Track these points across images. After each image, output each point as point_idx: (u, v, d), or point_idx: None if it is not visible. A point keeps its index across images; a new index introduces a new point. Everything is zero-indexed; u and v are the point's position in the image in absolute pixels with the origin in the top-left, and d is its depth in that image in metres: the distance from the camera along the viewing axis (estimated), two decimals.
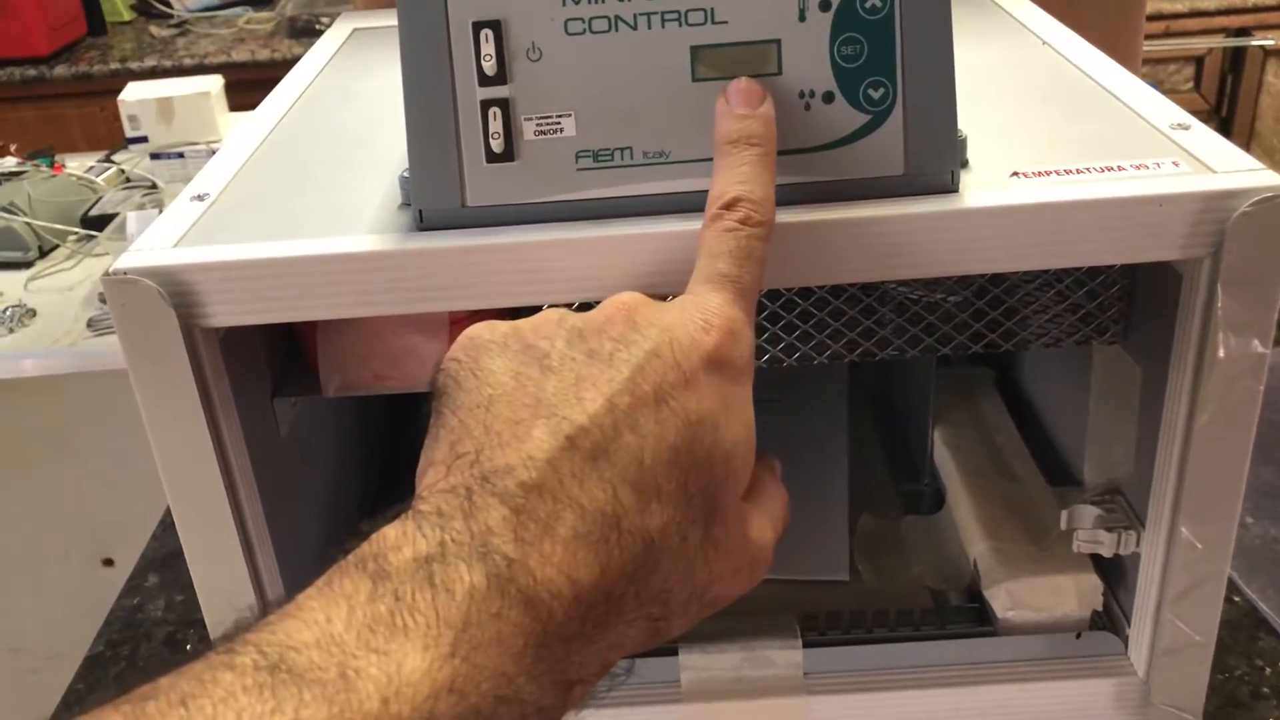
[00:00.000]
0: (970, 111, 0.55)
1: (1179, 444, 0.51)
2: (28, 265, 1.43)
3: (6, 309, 1.34)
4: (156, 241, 0.48)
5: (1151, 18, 2.39)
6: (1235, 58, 2.46)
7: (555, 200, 0.48)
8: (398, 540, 0.34)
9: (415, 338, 0.55)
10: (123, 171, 1.62)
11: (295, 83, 0.69)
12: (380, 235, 0.47)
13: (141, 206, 1.47)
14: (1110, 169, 0.48)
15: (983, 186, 0.48)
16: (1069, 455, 0.65)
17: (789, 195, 0.47)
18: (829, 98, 0.47)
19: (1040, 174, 0.49)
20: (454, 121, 0.47)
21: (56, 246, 1.46)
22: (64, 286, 1.38)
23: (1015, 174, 0.49)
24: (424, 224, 0.48)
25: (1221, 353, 0.48)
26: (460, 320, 0.56)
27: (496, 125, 0.47)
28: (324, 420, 0.66)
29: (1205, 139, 0.51)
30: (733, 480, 0.38)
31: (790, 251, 0.47)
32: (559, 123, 0.47)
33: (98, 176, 1.61)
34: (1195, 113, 0.61)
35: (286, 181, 0.54)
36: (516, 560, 0.33)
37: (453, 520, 0.34)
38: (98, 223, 1.45)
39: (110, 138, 1.99)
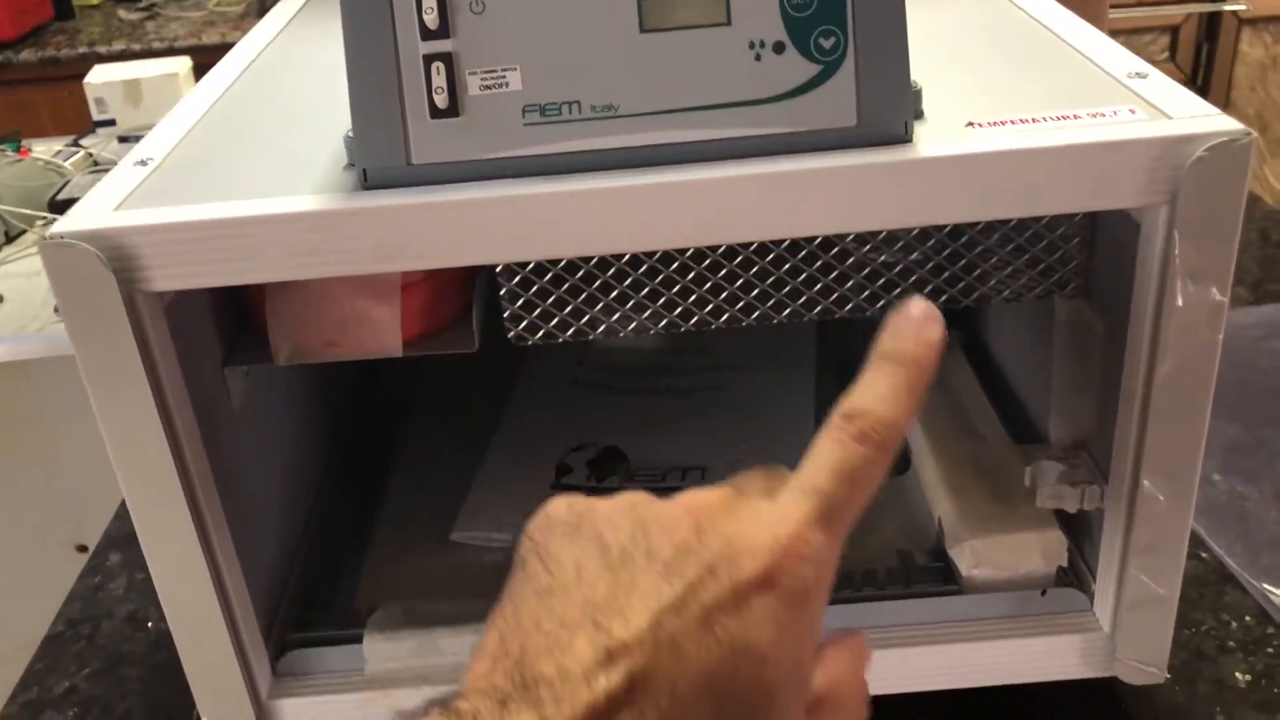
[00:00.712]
0: (927, 64, 0.55)
1: (1140, 396, 0.51)
2: None
3: None
4: (96, 205, 0.47)
5: None
6: (1210, 26, 2.46)
7: (502, 156, 0.47)
8: None
9: (366, 302, 0.54)
10: (90, 155, 1.60)
11: (246, 50, 0.68)
12: (324, 195, 0.47)
13: None
14: (1066, 118, 0.48)
15: (937, 137, 0.47)
16: (1034, 414, 0.65)
17: (739, 149, 0.47)
18: (779, 48, 0.46)
19: (996, 124, 0.48)
20: (396, 77, 0.46)
21: (24, 232, 1.44)
22: (31, 271, 1.36)
23: (970, 124, 0.48)
24: (368, 183, 0.47)
25: (1180, 301, 0.48)
26: (412, 284, 0.55)
27: (440, 80, 0.46)
28: (279, 392, 0.65)
29: (1162, 87, 0.50)
30: (777, 713, 0.36)
31: (741, 206, 0.46)
32: (504, 77, 0.46)
33: (65, 160, 1.59)
34: None
35: (232, 146, 0.53)
36: None
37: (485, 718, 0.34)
38: (65, 207, 1.43)
39: (79, 122, 1.96)
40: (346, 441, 0.76)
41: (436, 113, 0.46)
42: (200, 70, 1.65)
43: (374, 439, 0.76)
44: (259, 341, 0.56)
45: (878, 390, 0.40)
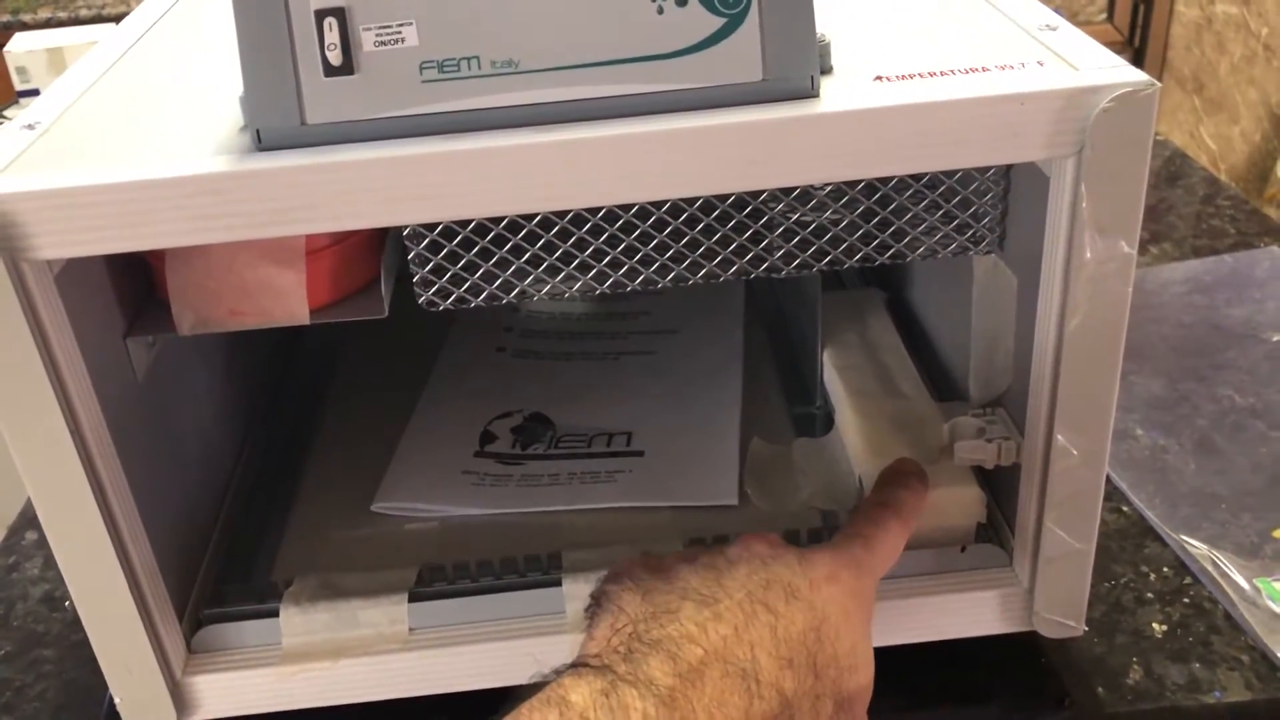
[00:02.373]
0: (835, 17, 0.54)
1: (1051, 350, 0.51)
2: None
3: None
4: None
5: None
6: None
7: (400, 115, 0.45)
8: (573, 683, 0.41)
9: (269, 269, 0.53)
10: None
11: (146, 14, 0.65)
12: (216, 157, 0.45)
13: None
14: (975, 70, 0.47)
15: (844, 91, 0.46)
16: (957, 373, 0.65)
17: (643, 105, 0.46)
18: (682, 1, 0.45)
19: (904, 77, 0.47)
20: (288, 33, 0.44)
21: None
22: None
23: (879, 78, 0.47)
24: (262, 144, 0.45)
25: (1088, 254, 0.47)
26: (318, 250, 0.53)
27: (333, 36, 0.44)
28: (191, 363, 0.63)
29: (1072, 39, 0.50)
30: (859, 676, 0.47)
31: (645, 163, 0.45)
32: (400, 32, 0.45)
33: None
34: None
35: (125, 110, 0.51)
36: (677, 692, 0.41)
37: (617, 665, 0.42)
38: None
39: (3, 93, 1.91)
40: (267, 412, 0.74)
41: (330, 70, 0.45)
42: None
43: (296, 409, 0.75)
44: (162, 312, 0.55)
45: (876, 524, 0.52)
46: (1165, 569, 0.65)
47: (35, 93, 1.60)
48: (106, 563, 0.52)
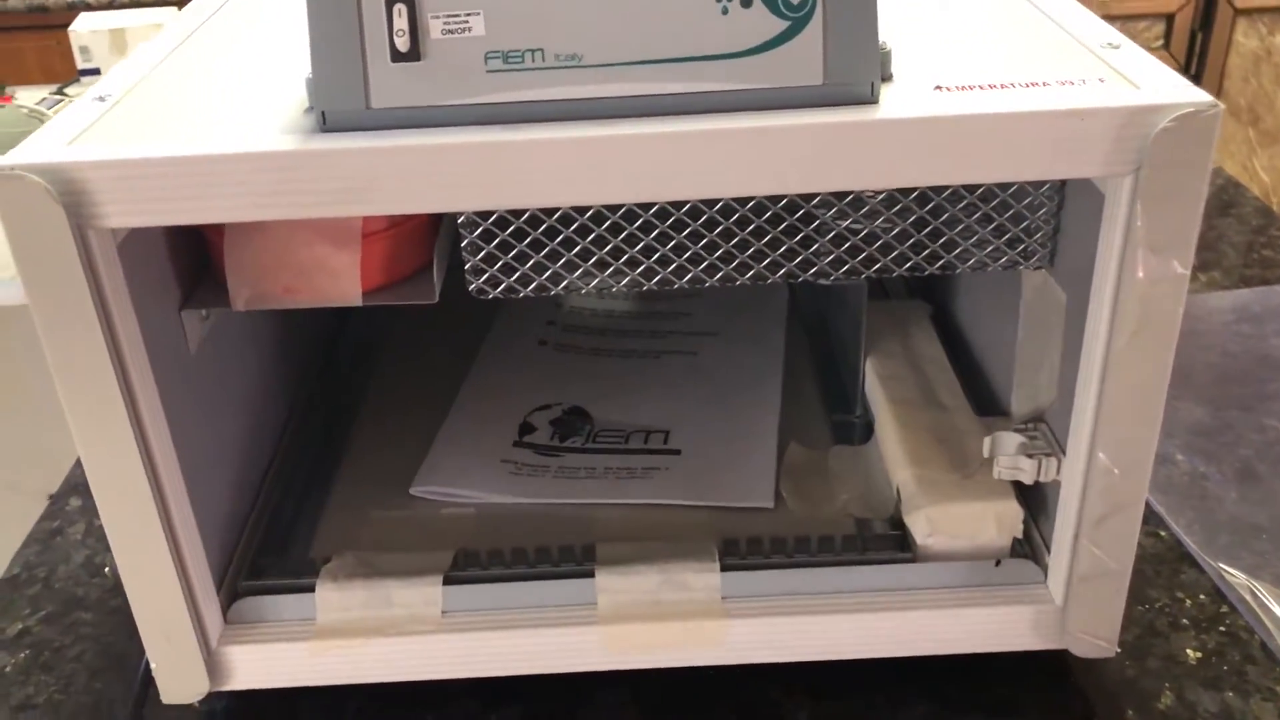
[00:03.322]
0: (902, 29, 0.54)
1: (1099, 368, 0.50)
2: None
3: None
4: (49, 139, 0.47)
5: None
6: (1206, 15, 2.44)
7: (463, 103, 0.46)
8: None
9: (325, 249, 0.53)
10: None
11: None
12: (280, 136, 0.46)
13: None
14: (1035, 85, 0.47)
15: (903, 99, 0.47)
16: (999, 387, 0.65)
17: (703, 103, 0.46)
18: (747, 2, 0.45)
19: (963, 88, 0.47)
20: (357, 18, 0.45)
21: None
22: None
23: (938, 88, 0.48)
24: (327, 126, 0.46)
25: (1140, 272, 0.47)
26: (374, 234, 0.54)
27: (402, 22, 0.45)
28: (243, 339, 0.64)
29: (1134, 58, 0.50)
30: None
31: (701, 160, 0.46)
32: (467, 21, 0.45)
33: (49, 109, 1.57)
34: None
35: (193, 87, 0.52)
36: None
37: None
38: None
39: (65, 72, 1.94)
40: (313, 392, 0.75)
41: (397, 56, 0.45)
42: None
43: (341, 391, 0.76)
44: (218, 286, 0.56)
45: None
46: (1202, 596, 0.64)
47: (96, 72, 1.63)
48: (151, 529, 0.52)
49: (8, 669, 0.63)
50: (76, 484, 0.78)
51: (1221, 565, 0.65)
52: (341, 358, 0.80)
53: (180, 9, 1.68)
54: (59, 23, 2.13)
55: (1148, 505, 0.70)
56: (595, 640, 0.57)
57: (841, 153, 0.46)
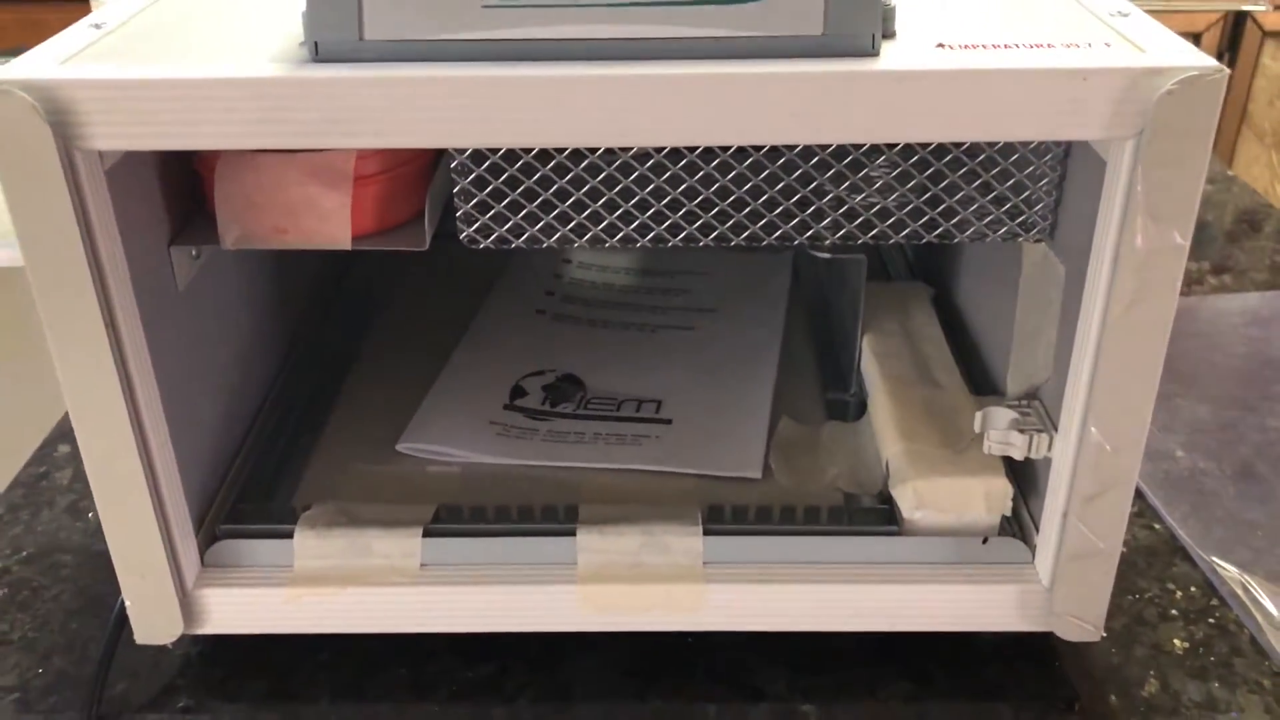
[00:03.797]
0: None
1: (1094, 340, 0.50)
2: None
3: None
4: (40, 58, 0.46)
5: None
6: (1233, 37, 2.43)
7: (458, 39, 0.46)
8: None
9: (317, 189, 0.53)
10: None
11: None
12: (271, 63, 0.45)
13: None
14: (1039, 46, 0.47)
15: (904, 53, 0.46)
16: (996, 368, 0.64)
17: (701, 49, 0.45)
18: None
19: (967, 47, 0.47)
20: None
21: None
22: None
23: (941, 45, 0.47)
24: (319, 56, 0.46)
25: (1139, 240, 0.46)
26: (366, 177, 0.54)
27: None
28: (234, 283, 0.64)
29: (1142, 24, 0.49)
30: None
31: (698, 107, 0.45)
32: None
33: None
34: None
35: (191, 16, 0.52)
36: None
37: None
38: None
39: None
40: (307, 343, 0.75)
41: None
42: None
43: (335, 344, 0.76)
44: (208, 224, 0.55)
45: None
46: (1193, 588, 0.63)
47: None
48: (129, 463, 0.52)
49: None
50: (66, 431, 0.77)
51: (1214, 559, 0.64)
52: (339, 312, 0.80)
53: None
54: None
55: (1144, 498, 0.69)
56: (573, 600, 0.56)
57: (839, 104, 0.45)
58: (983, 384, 0.65)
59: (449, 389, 0.70)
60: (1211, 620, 0.61)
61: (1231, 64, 2.47)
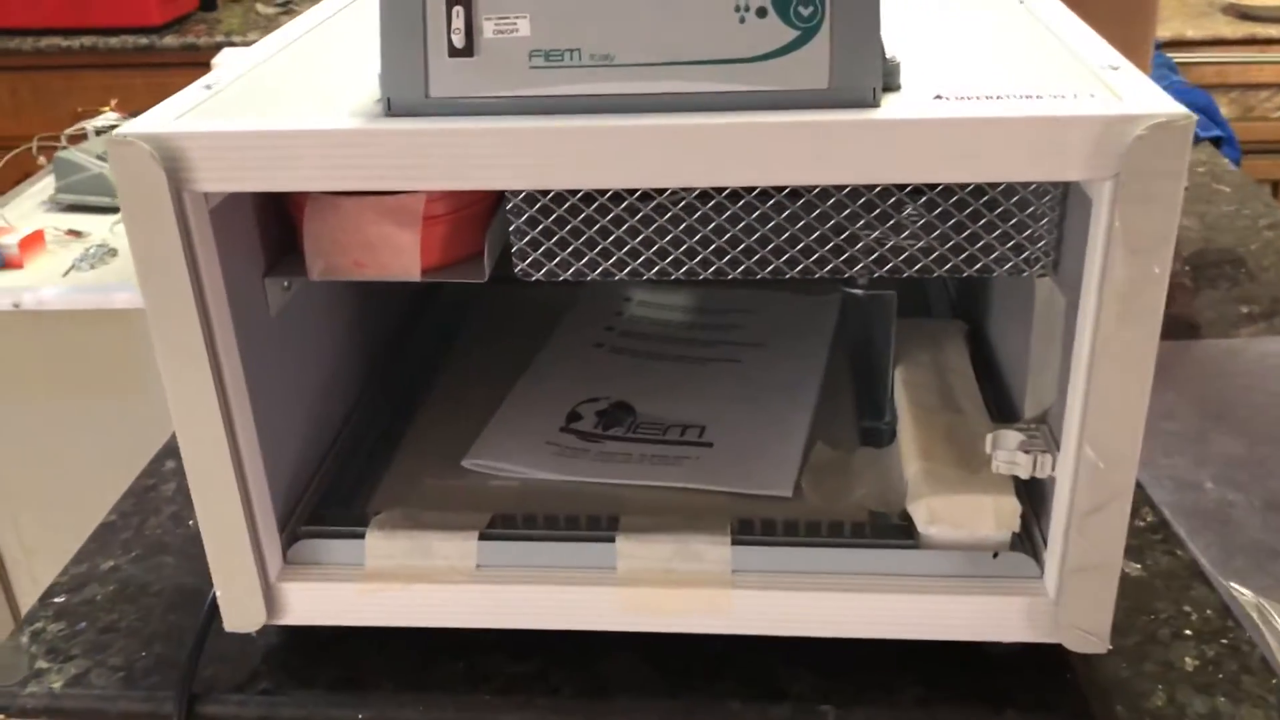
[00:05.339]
0: (922, 47, 0.59)
1: (1085, 365, 0.54)
2: (114, 210, 1.53)
3: (91, 248, 1.43)
4: (159, 115, 0.55)
5: (1244, 41, 2.37)
6: None
7: (509, 95, 0.52)
8: None
9: (391, 228, 0.60)
10: None
11: (322, 10, 0.75)
12: (350, 117, 0.53)
13: None
14: (1029, 96, 0.52)
15: (903, 104, 0.51)
16: (1017, 393, 0.68)
17: (721, 102, 0.52)
18: (762, 12, 0.51)
19: (961, 98, 0.52)
20: (422, 17, 0.52)
21: None
22: None
23: (938, 96, 0.52)
24: (391, 111, 0.53)
25: (1119, 272, 0.51)
26: (434, 217, 0.61)
27: (459, 22, 0.52)
28: (322, 312, 0.71)
29: (1130, 79, 0.53)
30: None
31: (717, 154, 0.51)
32: (515, 23, 0.52)
33: None
34: None
35: (288, 79, 0.60)
36: None
37: None
38: None
39: None
40: (389, 367, 0.82)
41: (454, 51, 0.52)
42: None
43: (414, 372, 0.83)
44: (298, 259, 0.63)
45: None
46: (1209, 611, 0.66)
47: None
48: (222, 469, 0.59)
49: (99, 598, 0.71)
50: (173, 447, 0.86)
51: (1233, 584, 0.67)
52: (418, 345, 0.87)
53: None
54: (207, 61, 2.30)
55: (1168, 526, 0.72)
56: (612, 601, 0.62)
57: (841, 150, 0.51)
58: (1008, 412, 0.69)
59: (512, 413, 0.77)
60: (1224, 641, 0.64)
61: None
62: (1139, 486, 0.76)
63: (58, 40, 2.41)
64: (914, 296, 0.88)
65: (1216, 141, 1.39)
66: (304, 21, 0.72)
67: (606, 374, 0.81)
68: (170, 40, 2.42)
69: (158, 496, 0.81)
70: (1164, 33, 2.41)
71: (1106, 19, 0.74)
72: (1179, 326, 0.97)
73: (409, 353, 0.85)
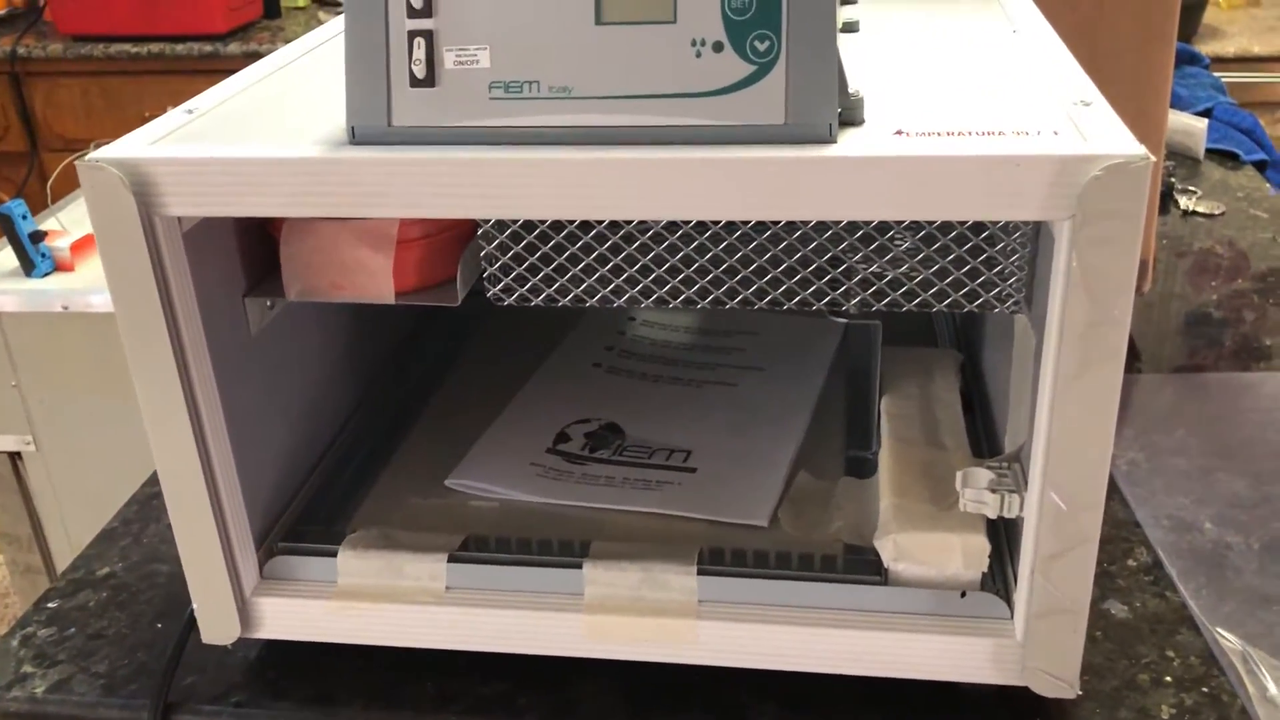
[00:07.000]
0: (891, 79, 0.59)
1: (1048, 408, 0.53)
2: None
3: None
4: (135, 140, 0.56)
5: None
6: None
7: (470, 125, 0.53)
8: None
9: (365, 252, 0.61)
10: None
11: (307, 41, 0.76)
12: (315, 145, 0.54)
13: None
14: (991, 133, 0.51)
15: (861, 140, 0.51)
16: (1001, 431, 0.67)
17: (677, 136, 0.51)
18: (718, 47, 0.51)
19: (922, 134, 0.51)
20: (385, 49, 0.52)
21: None
22: None
23: (899, 132, 0.52)
24: (355, 140, 0.54)
25: (1079, 314, 0.50)
26: (408, 241, 0.62)
27: (420, 54, 0.52)
28: (308, 332, 0.73)
29: (1099, 116, 0.52)
30: None
31: (672, 187, 0.51)
32: (475, 55, 0.52)
33: None
34: None
35: (269, 107, 0.61)
36: None
37: None
38: None
39: None
40: (387, 385, 0.83)
41: (415, 82, 0.53)
42: None
43: (406, 394, 0.84)
44: (278, 280, 0.64)
45: None
46: (1193, 658, 0.64)
47: None
48: (195, 485, 0.60)
49: (91, 604, 0.73)
50: None
51: (1219, 630, 0.65)
52: (413, 367, 0.88)
53: None
54: None
55: (1161, 567, 0.70)
56: (578, 627, 0.62)
57: (795, 185, 0.50)
58: (993, 447, 0.68)
59: (501, 433, 0.77)
60: (1205, 690, 0.62)
61: None
62: (1135, 526, 0.74)
63: (127, 47, 2.48)
64: (919, 325, 0.87)
65: (1260, 165, 1.35)
66: (292, 50, 0.73)
67: (601, 394, 0.82)
68: (234, 48, 2.47)
69: (159, 505, 0.82)
70: (1229, 48, 2.36)
71: (1125, 30, 0.73)
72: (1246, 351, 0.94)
73: (408, 370, 0.86)
